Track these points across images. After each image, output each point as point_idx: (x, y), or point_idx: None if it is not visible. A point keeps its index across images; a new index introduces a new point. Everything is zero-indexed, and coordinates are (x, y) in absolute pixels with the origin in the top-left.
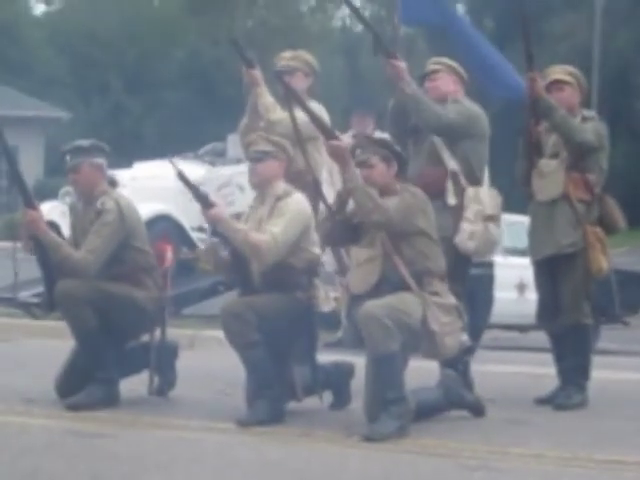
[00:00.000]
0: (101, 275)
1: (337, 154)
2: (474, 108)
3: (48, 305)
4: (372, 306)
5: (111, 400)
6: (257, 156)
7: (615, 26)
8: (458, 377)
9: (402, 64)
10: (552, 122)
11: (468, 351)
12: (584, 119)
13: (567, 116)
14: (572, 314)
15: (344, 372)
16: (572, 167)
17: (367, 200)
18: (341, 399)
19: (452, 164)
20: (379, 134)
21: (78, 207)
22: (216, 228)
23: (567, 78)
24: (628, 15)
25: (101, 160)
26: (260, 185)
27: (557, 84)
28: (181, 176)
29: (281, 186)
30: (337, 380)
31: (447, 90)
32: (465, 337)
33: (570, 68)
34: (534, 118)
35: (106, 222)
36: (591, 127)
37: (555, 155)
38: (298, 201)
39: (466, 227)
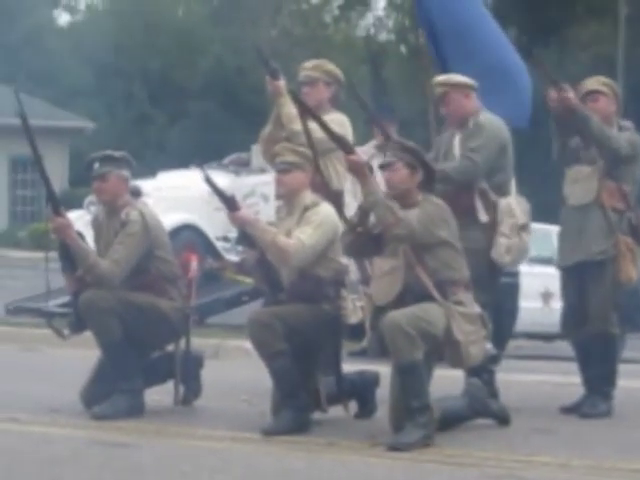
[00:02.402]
0: (125, 285)
1: (356, 169)
2: (494, 120)
3: (76, 326)
4: (396, 315)
5: (136, 410)
6: (284, 167)
7: (639, 35)
8: (483, 386)
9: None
10: (589, 131)
11: (493, 360)
12: (620, 129)
13: (602, 124)
14: (599, 323)
15: (369, 381)
16: (607, 175)
17: (388, 214)
18: (366, 408)
19: (479, 181)
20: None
21: (100, 219)
22: (244, 230)
23: (601, 88)
24: None
25: (127, 173)
26: (287, 196)
27: (592, 95)
28: (207, 179)
29: (309, 196)
30: (362, 389)
31: (465, 111)
32: (489, 346)
33: (603, 79)
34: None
35: (131, 232)
36: (626, 137)
37: (591, 162)
38: (326, 211)
39: (503, 241)
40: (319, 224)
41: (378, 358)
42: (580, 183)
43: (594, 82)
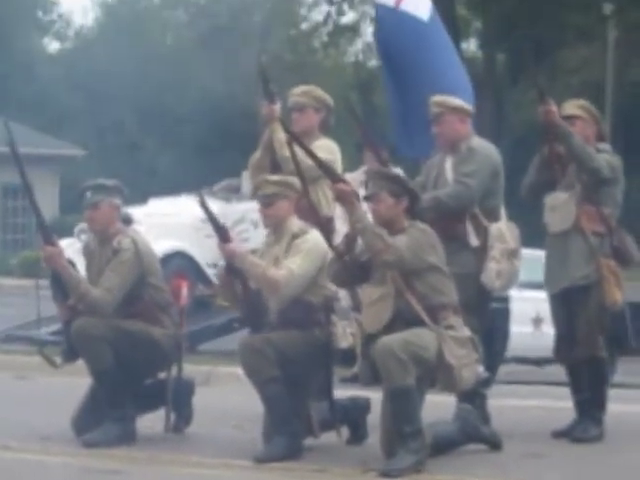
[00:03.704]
0: (117, 312)
1: (343, 198)
2: (486, 145)
3: (69, 355)
4: (388, 340)
5: (127, 437)
6: (266, 201)
7: (628, 59)
8: (475, 411)
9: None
10: (568, 147)
11: (485, 383)
12: (598, 151)
13: (582, 142)
14: (586, 347)
15: (361, 407)
16: (586, 200)
17: (377, 240)
18: (358, 434)
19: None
20: (392, 169)
21: (91, 247)
22: (233, 263)
23: (578, 112)
24: None
25: (119, 201)
26: (273, 225)
27: (568, 119)
28: (203, 204)
29: (295, 223)
30: (354, 415)
31: (457, 135)
32: (481, 369)
33: (581, 102)
34: (550, 140)
35: (123, 260)
36: (605, 158)
37: (568, 188)
38: (314, 238)
39: (493, 266)
40: (308, 252)
41: (369, 386)
42: (558, 210)
43: (571, 106)
